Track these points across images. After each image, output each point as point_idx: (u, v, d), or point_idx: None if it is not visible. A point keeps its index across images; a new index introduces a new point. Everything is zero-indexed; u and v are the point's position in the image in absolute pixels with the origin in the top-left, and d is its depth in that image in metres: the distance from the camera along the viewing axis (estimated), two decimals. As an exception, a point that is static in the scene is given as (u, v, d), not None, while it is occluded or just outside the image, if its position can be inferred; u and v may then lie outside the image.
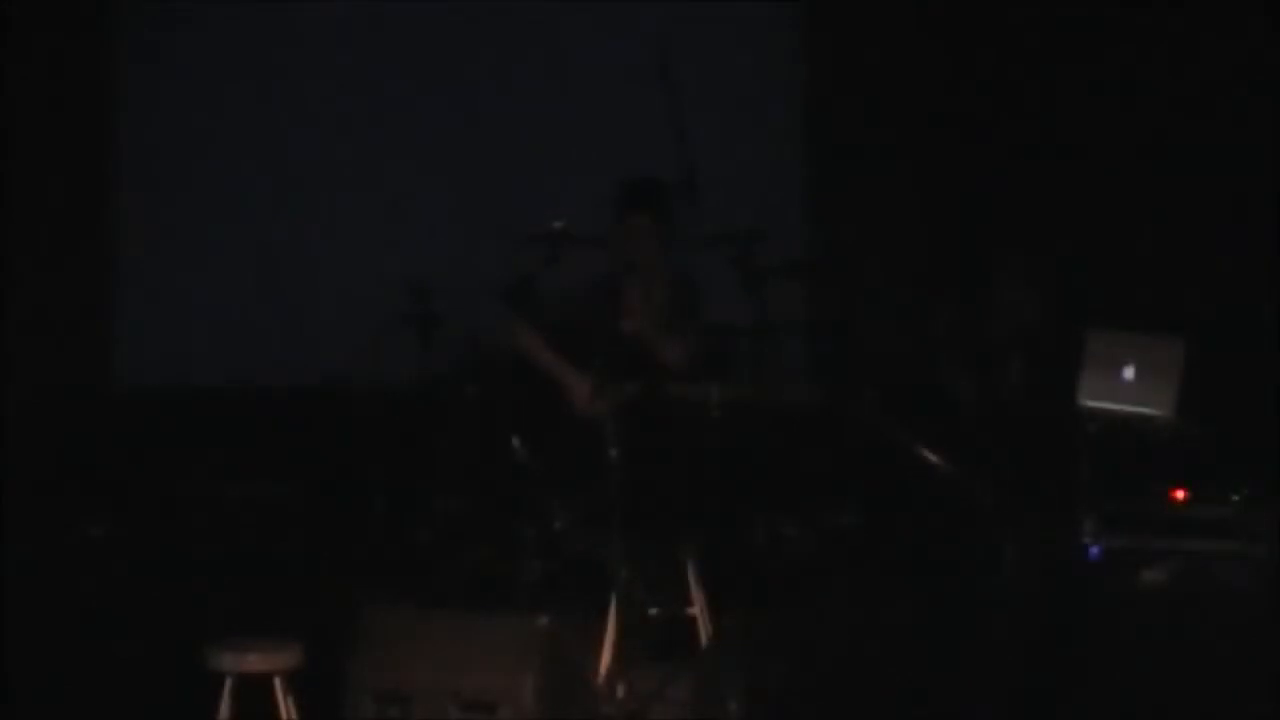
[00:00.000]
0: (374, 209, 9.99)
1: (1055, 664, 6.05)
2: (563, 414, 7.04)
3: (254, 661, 5.43)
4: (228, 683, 5.43)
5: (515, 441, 7.08)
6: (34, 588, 7.46)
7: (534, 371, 7.51)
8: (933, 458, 5.90)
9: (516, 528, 7.56)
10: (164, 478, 9.13)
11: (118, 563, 8.09)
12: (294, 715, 5.48)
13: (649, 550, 6.43)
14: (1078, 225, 9.06)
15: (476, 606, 6.49)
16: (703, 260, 7.56)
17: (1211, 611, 6.00)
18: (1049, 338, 8.18)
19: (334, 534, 8.47)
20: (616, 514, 6.08)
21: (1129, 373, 6.62)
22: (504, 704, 5.38)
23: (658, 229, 7.11)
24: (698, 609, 6.55)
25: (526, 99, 10.01)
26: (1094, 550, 6.62)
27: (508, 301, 8.03)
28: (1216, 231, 8.82)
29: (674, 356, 6.93)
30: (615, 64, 9.68)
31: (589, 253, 7.85)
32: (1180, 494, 6.51)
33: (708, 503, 6.93)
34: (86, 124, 9.89)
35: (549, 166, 9.88)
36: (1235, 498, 6.43)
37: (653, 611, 6.50)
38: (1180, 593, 6.10)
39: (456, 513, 8.08)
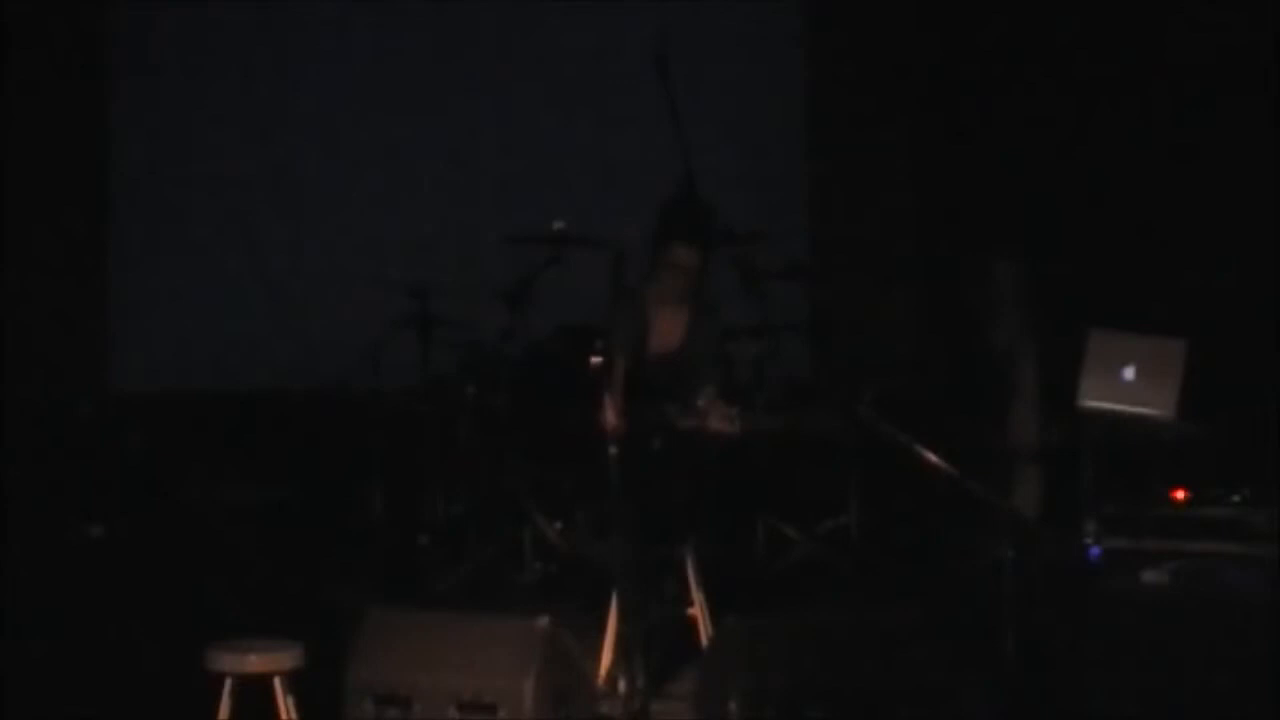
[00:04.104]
0: (374, 210, 9.99)
1: (1056, 665, 6.05)
2: (563, 417, 7.02)
3: (254, 662, 5.43)
4: (228, 683, 5.43)
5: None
6: (34, 588, 7.46)
7: (534, 374, 7.50)
8: (932, 458, 5.89)
9: (516, 529, 7.57)
10: (164, 480, 9.13)
11: (118, 563, 8.09)
12: (294, 715, 5.48)
13: (649, 551, 6.42)
14: (1078, 226, 9.06)
15: (476, 607, 6.49)
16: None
17: (1212, 612, 6.00)
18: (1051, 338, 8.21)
19: (334, 536, 8.47)
20: (617, 515, 6.06)
21: (1129, 373, 6.62)
22: (504, 704, 5.37)
23: (704, 264, 6.93)
24: (698, 609, 6.55)
25: (527, 99, 10.01)
26: (1095, 551, 6.62)
27: (508, 302, 8.03)
28: (1216, 232, 8.82)
29: (727, 429, 6.78)
30: (615, 64, 9.69)
31: (589, 253, 7.85)
32: (1180, 494, 6.51)
33: (708, 503, 6.93)
34: (85, 128, 9.90)
35: (549, 167, 9.88)
36: (1236, 498, 6.43)
37: (653, 612, 6.50)
38: (1181, 593, 6.10)
39: (457, 514, 8.08)
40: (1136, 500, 6.46)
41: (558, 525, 7.24)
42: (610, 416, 6.01)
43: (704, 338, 7.01)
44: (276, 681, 5.46)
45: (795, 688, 5.35)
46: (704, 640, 6.41)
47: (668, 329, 7.00)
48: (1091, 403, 6.69)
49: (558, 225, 8.03)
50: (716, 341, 7.13)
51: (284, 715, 5.47)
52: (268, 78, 10.01)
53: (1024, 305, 8.42)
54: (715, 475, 6.93)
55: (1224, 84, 8.90)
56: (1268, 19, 8.65)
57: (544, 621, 5.50)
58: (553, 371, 7.16)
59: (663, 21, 8.94)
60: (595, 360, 6.05)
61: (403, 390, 8.44)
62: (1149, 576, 6.14)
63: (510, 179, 9.92)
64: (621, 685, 5.98)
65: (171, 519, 8.77)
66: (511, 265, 8.11)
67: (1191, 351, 6.58)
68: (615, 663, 6.13)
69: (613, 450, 5.93)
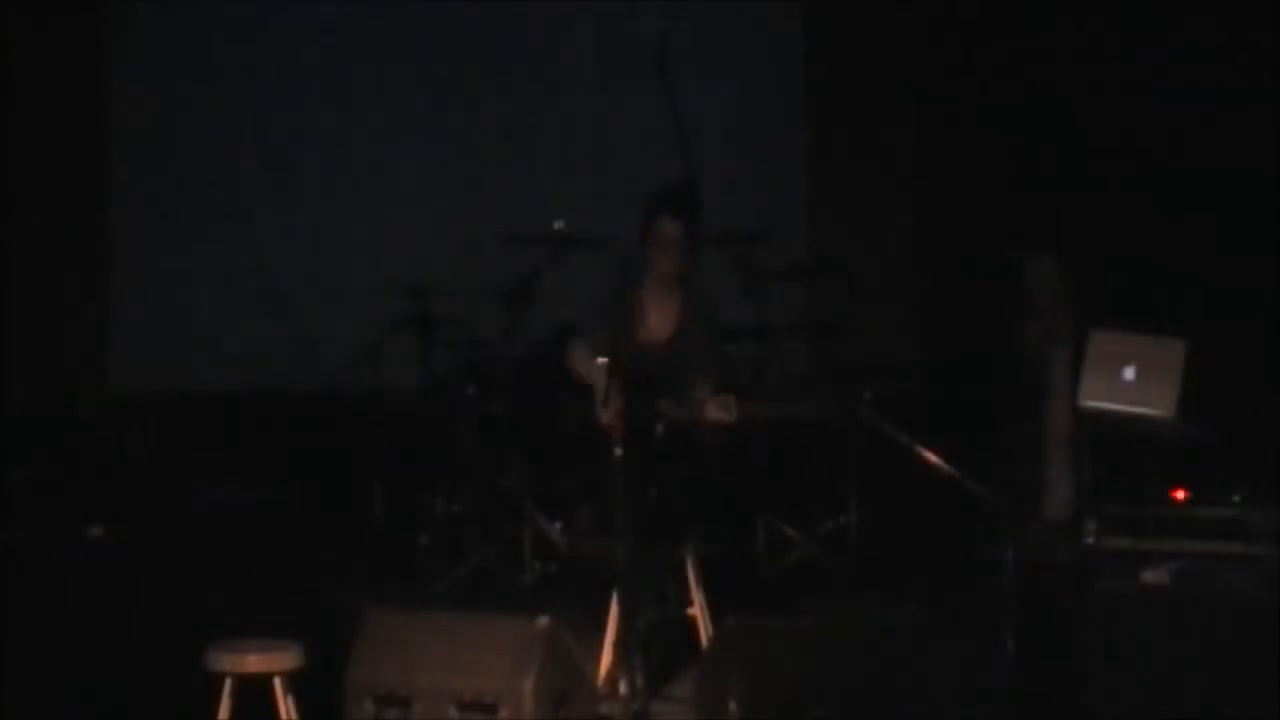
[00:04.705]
0: (373, 210, 9.99)
1: (1055, 665, 6.05)
2: (564, 416, 7.02)
3: (254, 662, 5.43)
4: (227, 683, 5.43)
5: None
6: (34, 588, 7.46)
7: (534, 375, 7.49)
8: (933, 459, 5.89)
9: (516, 529, 7.57)
10: (164, 479, 9.13)
11: (118, 563, 8.09)
12: (294, 716, 5.48)
13: (649, 551, 6.42)
14: (1079, 225, 9.07)
15: (476, 607, 6.48)
16: (704, 262, 7.55)
17: (1212, 612, 5.99)
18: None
19: (334, 536, 8.47)
20: (619, 515, 6.06)
21: (1129, 373, 6.59)
22: (504, 705, 5.37)
23: (690, 239, 6.92)
24: (698, 609, 6.55)
25: (526, 99, 10.01)
26: (1094, 551, 6.60)
27: (508, 302, 8.03)
28: (1217, 232, 8.83)
29: (726, 417, 6.74)
30: (615, 63, 9.69)
31: (589, 253, 7.85)
32: (1180, 494, 6.50)
33: (708, 503, 6.92)
34: (84, 129, 9.90)
35: (549, 166, 9.88)
36: (1236, 498, 6.41)
37: (653, 613, 6.50)
38: (1181, 594, 6.09)
39: (457, 514, 8.08)
40: (1137, 501, 6.45)
41: (558, 525, 7.24)
42: (608, 416, 6.02)
43: (699, 330, 7.00)
44: (276, 681, 5.46)
45: (795, 688, 5.35)
46: (704, 640, 6.41)
47: (659, 318, 6.99)
48: (1091, 403, 6.67)
49: (558, 225, 8.04)
50: (713, 336, 7.12)
51: (284, 715, 5.47)
52: (267, 78, 10.01)
53: (1059, 302, 8.45)
54: (715, 472, 6.92)
55: (1224, 83, 8.90)
56: (1268, 17, 8.66)
57: (544, 621, 5.50)
58: (553, 371, 7.16)
59: (663, 21, 8.98)
60: (601, 361, 6.06)
61: (403, 390, 8.44)
62: (1149, 576, 6.12)
63: (510, 179, 9.92)
64: (621, 685, 5.98)
65: (171, 518, 8.77)
66: (511, 265, 8.11)
67: (1191, 351, 6.56)
68: (615, 663, 6.13)
69: (616, 451, 5.93)
